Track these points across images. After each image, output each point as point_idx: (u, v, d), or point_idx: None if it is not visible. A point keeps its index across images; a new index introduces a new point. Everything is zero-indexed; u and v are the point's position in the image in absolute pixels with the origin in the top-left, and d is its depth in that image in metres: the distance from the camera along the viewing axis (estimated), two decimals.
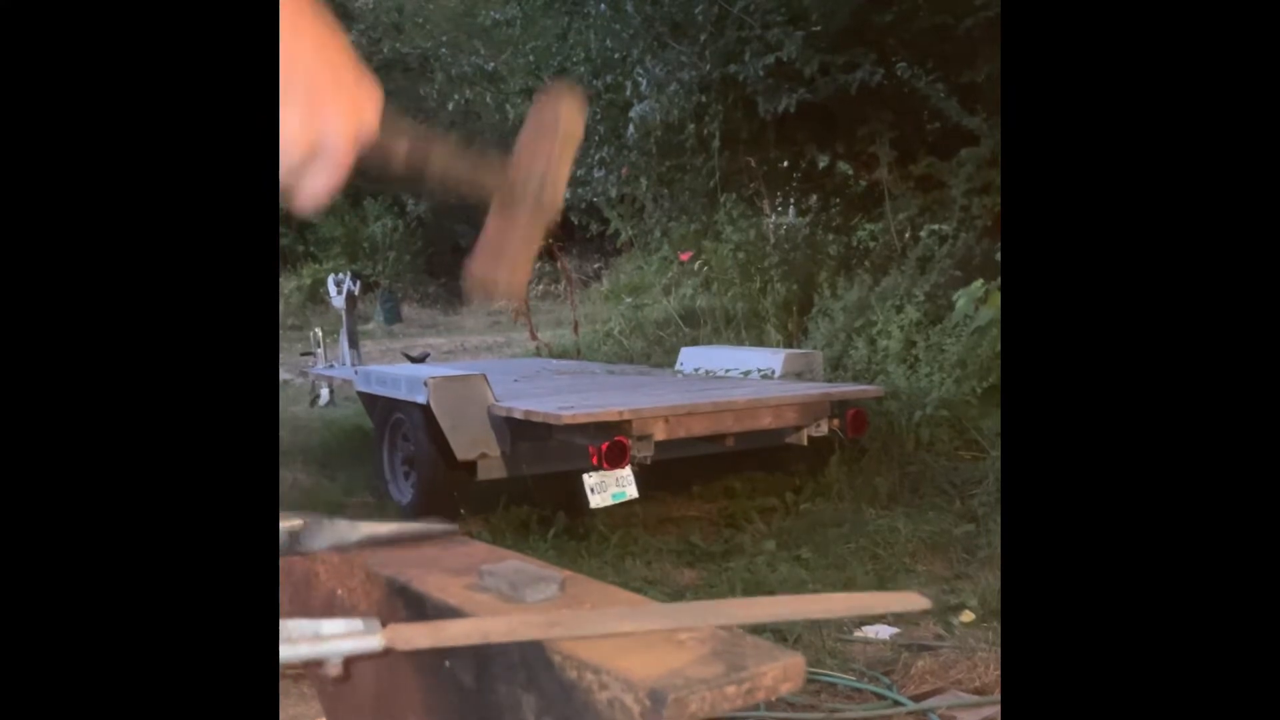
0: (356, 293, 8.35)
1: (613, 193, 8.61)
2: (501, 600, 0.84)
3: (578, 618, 0.76)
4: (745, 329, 7.56)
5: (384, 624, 0.79)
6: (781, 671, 0.69)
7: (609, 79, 8.07)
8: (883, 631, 3.44)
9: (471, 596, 0.85)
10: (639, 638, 0.74)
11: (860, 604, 1.06)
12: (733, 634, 0.74)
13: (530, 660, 0.74)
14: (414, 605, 0.89)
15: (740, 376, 5.61)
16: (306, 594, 1.03)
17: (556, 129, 1.01)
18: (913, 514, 4.63)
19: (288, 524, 1.01)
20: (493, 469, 4.66)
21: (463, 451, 4.59)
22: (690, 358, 6.39)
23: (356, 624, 0.79)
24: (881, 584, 3.89)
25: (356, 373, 5.92)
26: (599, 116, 8.34)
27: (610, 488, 4.30)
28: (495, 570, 0.87)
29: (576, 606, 0.81)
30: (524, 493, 4.91)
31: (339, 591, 1.00)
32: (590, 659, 0.70)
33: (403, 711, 0.91)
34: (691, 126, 7.67)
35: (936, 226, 7.22)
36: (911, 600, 0.88)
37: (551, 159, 1.02)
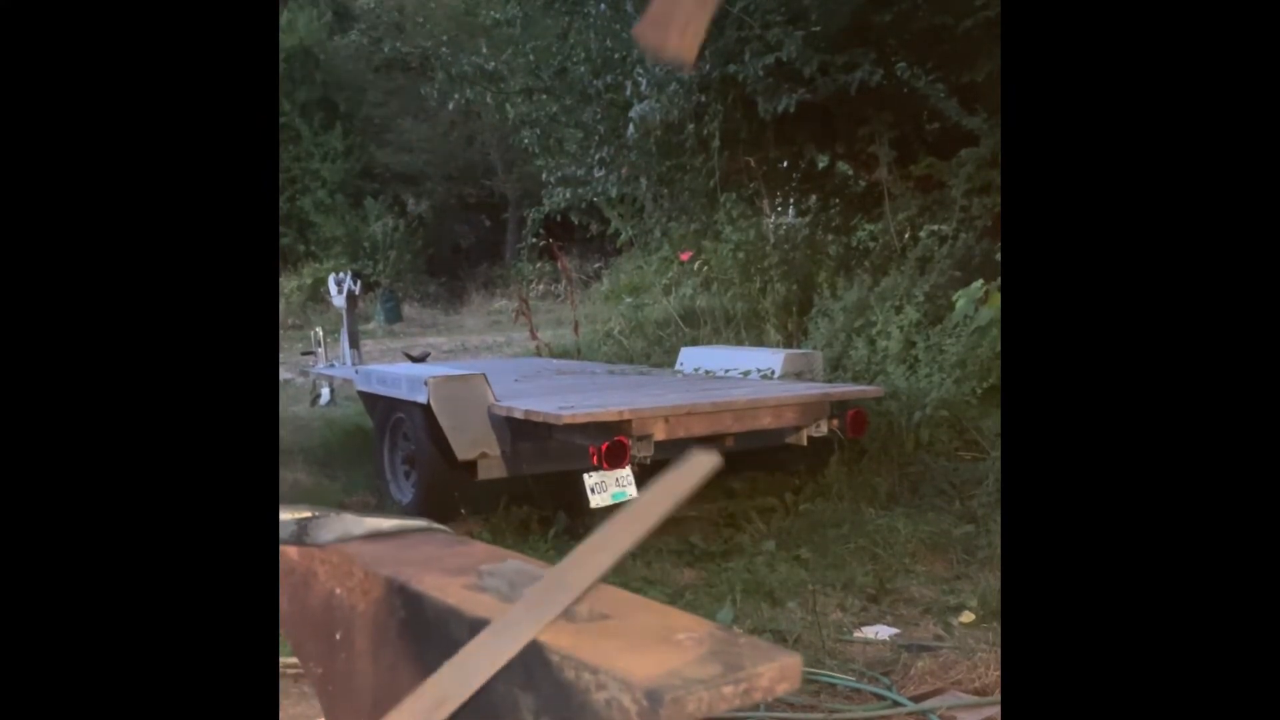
0: (357, 292, 8.34)
1: (613, 193, 8.61)
2: (501, 600, 0.84)
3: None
4: (745, 329, 7.56)
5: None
6: (778, 671, 0.69)
7: (609, 79, 8.06)
8: (883, 632, 3.44)
9: (470, 596, 0.85)
10: (636, 638, 0.74)
11: (662, 493, 0.94)
12: (730, 634, 0.74)
13: (528, 660, 0.74)
14: (412, 605, 0.89)
15: (740, 376, 5.61)
16: (305, 593, 1.03)
17: None
18: (912, 514, 4.62)
19: (297, 514, 1.02)
20: (493, 469, 4.66)
21: (463, 451, 4.59)
22: (690, 358, 6.39)
23: None
24: (881, 584, 3.89)
25: (357, 372, 5.92)
26: (599, 116, 8.34)
27: (610, 488, 4.29)
28: (494, 570, 0.87)
29: (573, 606, 0.81)
30: (524, 493, 4.91)
31: (338, 591, 1.00)
32: (588, 659, 0.70)
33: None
34: (691, 126, 7.67)
35: (936, 226, 7.21)
36: (702, 463, 0.87)
37: None
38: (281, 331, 13.25)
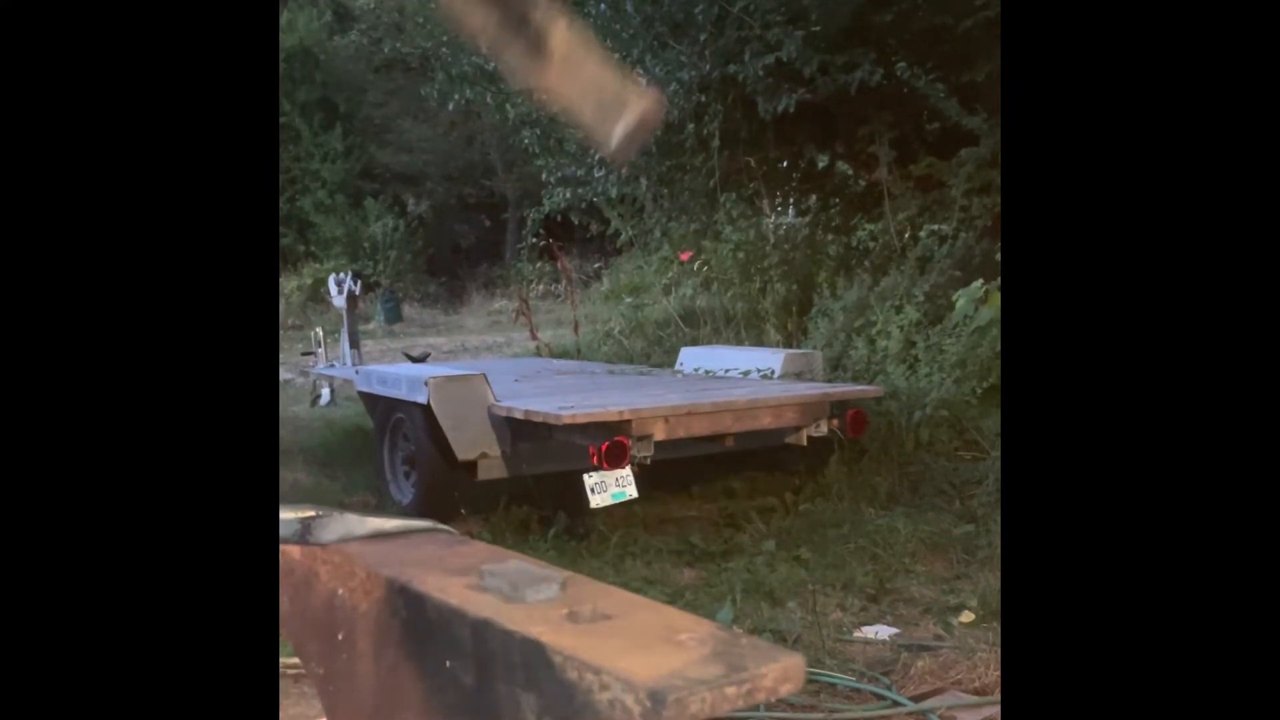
0: (357, 292, 8.34)
1: (613, 193, 8.61)
2: (502, 600, 0.84)
3: None
4: (745, 329, 7.56)
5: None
6: (781, 672, 0.69)
7: None
8: (883, 632, 3.44)
9: (472, 596, 0.85)
10: (639, 638, 0.74)
11: None
12: (732, 635, 0.74)
13: (531, 660, 0.74)
14: (414, 605, 0.89)
15: (740, 376, 5.61)
16: (307, 593, 1.04)
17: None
18: (912, 514, 4.62)
19: (300, 514, 1.02)
20: (493, 469, 4.66)
21: (463, 451, 4.59)
22: (690, 358, 6.39)
23: None
24: (881, 584, 3.89)
25: (357, 372, 5.92)
26: None
27: (610, 488, 4.29)
28: (496, 570, 0.87)
29: (576, 606, 0.81)
30: (524, 493, 4.92)
31: (340, 591, 1.00)
32: (591, 659, 0.70)
33: (403, 711, 0.91)
34: (691, 126, 7.67)
35: (936, 226, 7.22)
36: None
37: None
38: (281, 332, 13.25)
